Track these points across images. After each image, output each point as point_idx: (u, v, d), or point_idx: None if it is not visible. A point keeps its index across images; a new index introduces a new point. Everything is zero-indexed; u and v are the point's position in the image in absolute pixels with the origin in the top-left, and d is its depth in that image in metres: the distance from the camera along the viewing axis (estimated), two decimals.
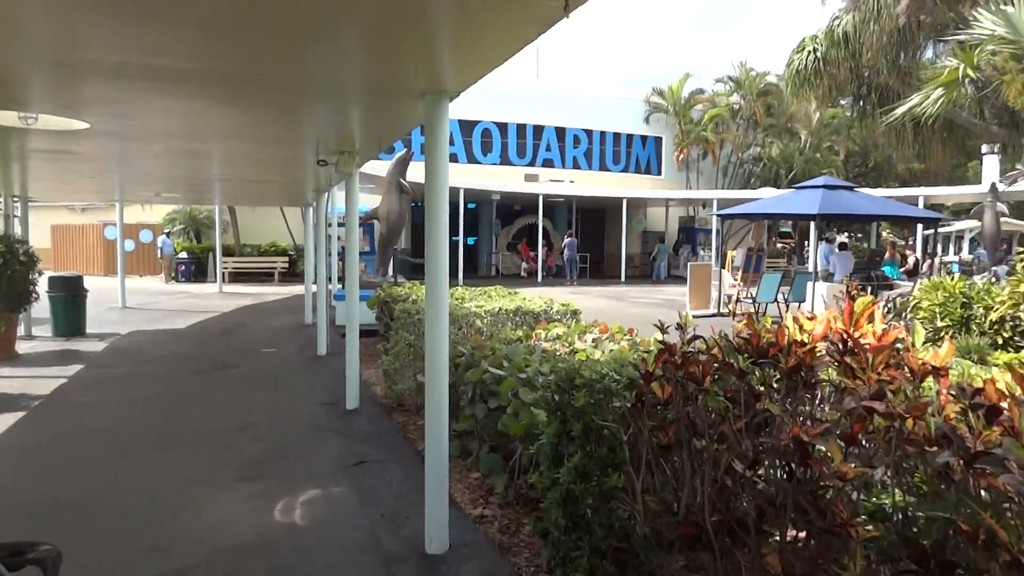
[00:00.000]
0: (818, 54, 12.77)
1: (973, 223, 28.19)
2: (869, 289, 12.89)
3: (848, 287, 10.72)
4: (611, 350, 5.28)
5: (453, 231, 24.87)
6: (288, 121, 4.81)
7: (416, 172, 15.58)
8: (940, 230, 33.61)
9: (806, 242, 33.09)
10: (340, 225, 23.57)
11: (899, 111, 11.82)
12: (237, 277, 23.34)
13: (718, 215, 14.35)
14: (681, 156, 29.32)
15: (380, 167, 19.74)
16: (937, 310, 8.77)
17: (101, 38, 2.88)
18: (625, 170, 30.19)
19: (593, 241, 29.62)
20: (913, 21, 11.05)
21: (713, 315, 14.68)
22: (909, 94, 11.67)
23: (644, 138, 30.58)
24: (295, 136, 5.46)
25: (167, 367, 8.72)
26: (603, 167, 29.77)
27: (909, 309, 9.60)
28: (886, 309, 9.52)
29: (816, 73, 12.66)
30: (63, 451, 5.44)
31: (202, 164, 7.09)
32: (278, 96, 4.01)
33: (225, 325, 12.66)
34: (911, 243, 37.38)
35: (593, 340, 5.74)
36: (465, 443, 5.51)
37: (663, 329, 3.14)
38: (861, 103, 13.17)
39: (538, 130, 28.58)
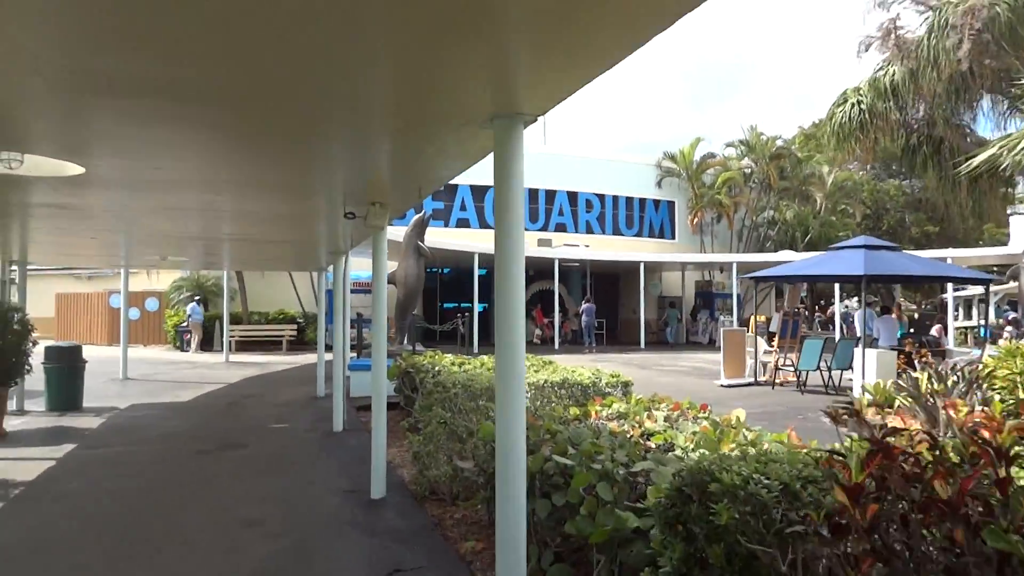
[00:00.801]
0: (862, 106, 12.35)
1: (999, 287, 27.50)
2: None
3: (911, 354, 9.74)
4: (693, 432, 4.47)
5: (467, 298, 24.27)
6: (313, 163, 4.18)
7: (432, 237, 15.11)
8: (956, 294, 32.95)
9: (817, 307, 32.34)
10: (352, 291, 22.97)
11: (978, 160, 11.11)
12: (244, 345, 22.59)
13: (753, 278, 13.69)
14: (696, 220, 28.93)
15: (394, 231, 19.31)
16: (1019, 379, 7.94)
17: (101, 63, 2.25)
18: (639, 234, 29.76)
19: (607, 306, 28.92)
20: (975, 65, 10.64)
21: (749, 384, 13.80)
22: (964, 145, 11.16)
23: (657, 202, 30.29)
24: (319, 184, 4.83)
25: (167, 447, 7.87)
26: (616, 231, 29.35)
27: (981, 379, 8.77)
28: (954, 379, 8.70)
29: (861, 126, 12.21)
30: (39, 556, 4.57)
31: (212, 221, 6.47)
32: (301, 128, 3.37)
33: (232, 397, 11.82)
34: (924, 307, 36.58)
35: (665, 419, 4.93)
36: None
37: (836, 417, 2.37)
38: (912, 155, 12.66)
39: (550, 195, 28.31)
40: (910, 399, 9.14)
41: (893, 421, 8.57)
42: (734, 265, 24.61)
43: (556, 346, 23.22)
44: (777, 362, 13.51)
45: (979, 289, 28.38)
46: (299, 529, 5.09)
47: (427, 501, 5.73)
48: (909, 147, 12.43)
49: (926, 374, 9.10)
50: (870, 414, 10.06)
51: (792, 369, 13.21)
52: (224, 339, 18.78)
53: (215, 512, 5.52)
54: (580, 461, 4.00)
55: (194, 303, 22.25)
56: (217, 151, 3.90)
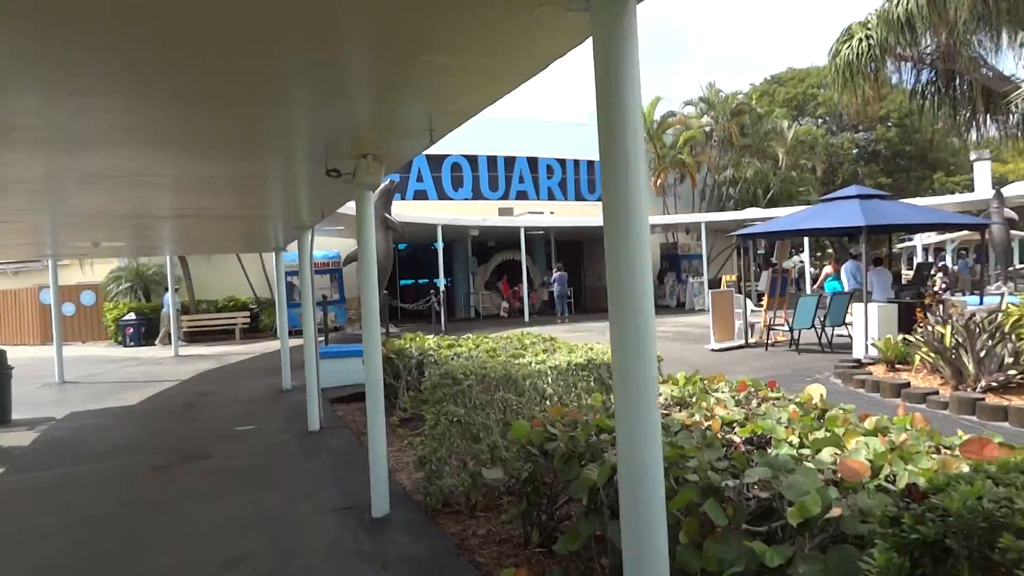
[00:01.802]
0: (871, 41, 11.59)
1: (954, 234, 27.70)
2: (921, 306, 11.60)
3: (917, 307, 9.07)
4: (785, 421, 3.63)
5: (433, 272, 23.17)
6: (284, 96, 3.11)
7: (402, 210, 13.77)
8: (900, 245, 33.31)
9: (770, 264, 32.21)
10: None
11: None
12: (194, 337, 21.09)
13: (743, 235, 13.00)
14: (659, 181, 28.29)
15: (352, 206, 18.05)
16: None
17: None
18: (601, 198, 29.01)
19: (572, 275, 28.21)
20: None
21: (740, 346, 13.21)
22: (984, 80, 10.56)
23: None
24: (293, 130, 3.74)
25: (116, 464, 6.72)
26: (579, 197, 28.54)
27: (1007, 328, 8.25)
28: (974, 329, 8.14)
29: (871, 62, 11.47)
30: None
31: (150, 193, 5.26)
32: (261, 40, 2.33)
33: (187, 397, 10.59)
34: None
35: (736, 404, 4.08)
36: (569, 570, 3.77)
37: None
38: (920, 93, 12.01)
39: (510, 161, 27.24)
40: (933, 354, 8.53)
41: (912, 378, 7.85)
42: (703, 225, 24.11)
43: (526, 318, 22.37)
44: (769, 322, 12.93)
45: (926, 238, 28.65)
46: (293, 566, 4.10)
47: (441, 515, 4.79)
48: (919, 84, 11.81)
49: (949, 327, 8.51)
50: (881, 372, 9.39)
51: (784, 328, 12.66)
52: (172, 332, 17.28)
53: (184, 549, 4.47)
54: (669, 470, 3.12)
55: (168, 293, 20.41)
56: (158, 88, 2.82)
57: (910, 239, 33.67)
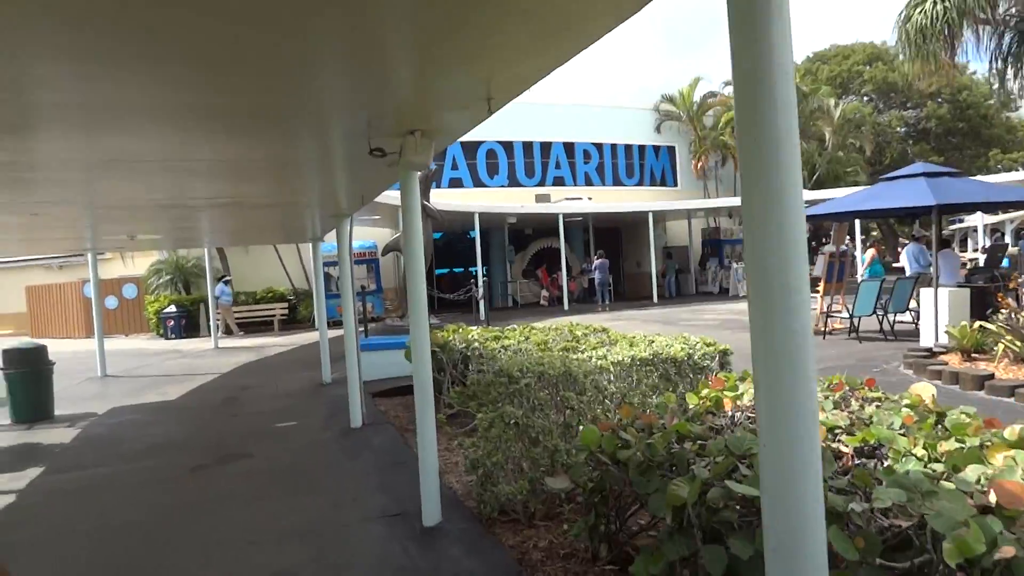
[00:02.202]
0: (947, 4, 10.73)
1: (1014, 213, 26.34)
2: (994, 289, 10.85)
3: (991, 292, 8.31)
4: (897, 426, 3.14)
5: (470, 261, 22.85)
6: (320, 73, 2.73)
7: (437, 198, 13.37)
8: (951, 227, 31.83)
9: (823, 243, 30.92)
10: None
11: None
12: (229, 329, 21.11)
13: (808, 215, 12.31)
14: (700, 164, 27.47)
15: (394, 196, 17.76)
16: None
17: None
18: (640, 183, 28.32)
19: (610, 261, 27.65)
20: None
21: None
22: None
23: (657, 148, 28.78)
24: (330, 106, 3.35)
25: (156, 463, 6.49)
26: (616, 182, 27.88)
27: None
28: None
29: (948, 25, 10.62)
30: None
31: (184, 180, 4.95)
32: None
33: (226, 391, 10.42)
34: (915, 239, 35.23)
35: (834, 405, 3.60)
36: None
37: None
38: (1003, 59, 11.13)
39: (546, 147, 26.69)
40: (1020, 342, 7.85)
41: (994, 369, 7.15)
42: None
43: (566, 306, 21.91)
44: (827, 308, 12.27)
45: (985, 218, 27.32)
46: None
47: (496, 524, 4.41)
48: (1000, 51, 10.93)
49: None
50: (956, 361, 8.69)
51: (844, 315, 11.99)
52: (211, 323, 17.24)
53: (225, 561, 4.17)
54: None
55: (221, 283, 20.45)
56: (187, 59, 2.46)
57: (960, 220, 32.23)
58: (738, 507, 2.78)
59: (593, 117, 27.34)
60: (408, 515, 4.65)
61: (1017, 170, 29.99)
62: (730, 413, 3.65)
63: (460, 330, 8.54)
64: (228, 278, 20.55)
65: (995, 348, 8.88)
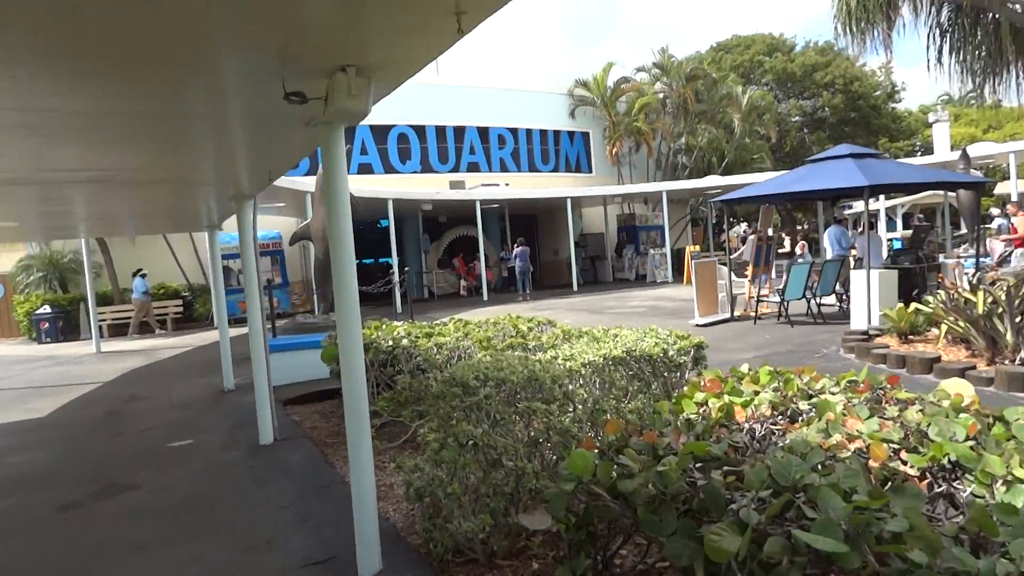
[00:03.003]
0: None
1: (906, 198, 27.72)
2: (919, 271, 10.94)
3: (912, 272, 8.11)
4: (964, 440, 2.56)
5: (385, 251, 21.65)
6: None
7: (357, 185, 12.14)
8: (848, 212, 33.33)
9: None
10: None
11: None
12: (119, 330, 19.11)
13: (724, 201, 12.06)
14: (615, 150, 27.31)
15: (300, 181, 16.35)
16: None
17: None
18: (555, 169, 27.88)
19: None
20: None
21: (726, 320, 12.36)
22: (1010, 16, 9.64)
23: (572, 134, 28.40)
24: (223, 28, 2.41)
25: (10, 503, 5.26)
26: (532, 168, 27.32)
27: None
28: (1013, 294, 7.38)
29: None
30: None
31: (36, 145, 3.79)
32: None
33: (109, 403, 9.03)
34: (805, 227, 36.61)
35: (873, 412, 3.01)
36: None
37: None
38: (939, 34, 11.02)
39: (459, 132, 25.75)
40: (963, 323, 7.73)
41: (938, 351, 6.88)
42: (664, 194, 23.27)
43: (484, 296, 21.16)
44: (756, 293, 12.10)
45: (886, 202, 28.63)
46: None
47: (450, 567, 3.61)
48: (939, 24, 10.89)
49: (981, 293, 7.72)
50: (895, 343, 8.48)
51: (773, 300, 11.85)
52: (92, 324, 15.35)
53: None
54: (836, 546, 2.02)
55: (139, 277, 18.28)
56: None
57: (849, 206, 33.69)
58: (807, 560, 2.10)
59: (507, 101, 26.61)
60: (340, 562, 3.77)
61: (907, 158, 31.65)
62: (746, 426, 2.99)
63: (384, 326, 7.63)
64: (144, 272, 18.58)
65: (929, 330, 8.83)
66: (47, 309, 18.48)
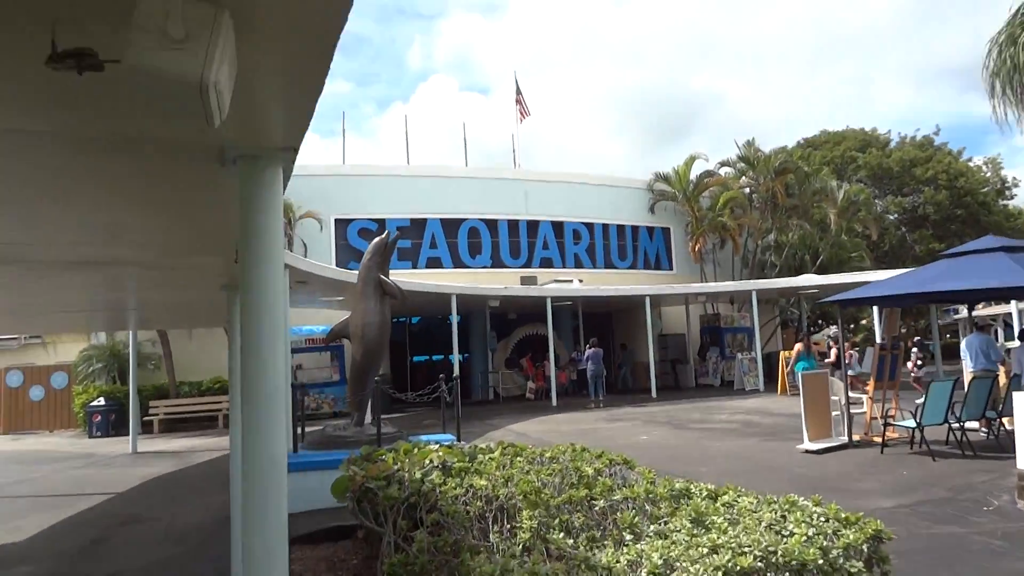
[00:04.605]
0: None
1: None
2: None
3: None
4: None
5: (447, 348, 20.42)
6: None
7: (398, 278, 10.90)
8: (955, 316, 29.95)
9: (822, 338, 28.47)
10: (300, 351, 18.81)
11: None
12: (173, 424, 18.33)
13: (838, 301, 10.13)
14: (697, 247, 25.61)
15: (351, 273, 15.43)
16: None
17: None
18: (633, 266, 26.32)
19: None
20: None
21: (843, 446, 10.12)
22: None
23: (651, 229, 26.98)
24: None
25: None
26: (608, 264, 25.87)
27: None
28: None
29: None
30: None
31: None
32: None
33: (102, 526, 7.70)
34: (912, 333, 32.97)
35: None
36: None
37: None
38: None
39: (532, 226, 24.77)
40: None
41: None
42: (753, 294, 21.23)
43: (554, 401, 19.33)
44: (883, 414, 9.88)
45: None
46: None
47: None
48: None
49: None
50: None
51: (906, 424, 9.59)
52: (131, 421, 14.43)
53: None
54: None
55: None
56: None
57: (956, 310, 30.27)
58: None
59: (583, 195, 25.60)
60: None
61: None
62: None
63: (418, 449, 6.05)
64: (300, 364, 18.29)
65: None
66: (101, 401, 17.94)
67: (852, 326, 42.38)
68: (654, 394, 20.32)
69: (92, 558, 6.49)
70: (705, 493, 3.46)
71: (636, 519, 3.04)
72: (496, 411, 18.11)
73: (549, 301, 19.53)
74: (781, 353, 18.18)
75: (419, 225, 22.99)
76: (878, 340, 11.48)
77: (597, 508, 3.72)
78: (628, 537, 2.91)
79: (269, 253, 2.40)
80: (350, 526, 6.42)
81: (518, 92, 28.36)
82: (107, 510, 8.61)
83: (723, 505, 3.17)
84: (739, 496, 3.36)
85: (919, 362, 19.67)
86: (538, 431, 13.43)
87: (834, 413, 10.73)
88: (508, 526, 4.15)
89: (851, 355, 18.24)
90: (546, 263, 24.77)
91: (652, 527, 3.00)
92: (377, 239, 8.94)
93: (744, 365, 22.27)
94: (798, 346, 17.29)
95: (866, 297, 9.75)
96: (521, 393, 22.83)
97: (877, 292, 9.73)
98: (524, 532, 3.65)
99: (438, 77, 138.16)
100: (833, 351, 17.06)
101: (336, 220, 22.35)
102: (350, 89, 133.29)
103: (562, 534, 3.62)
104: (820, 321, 34.91)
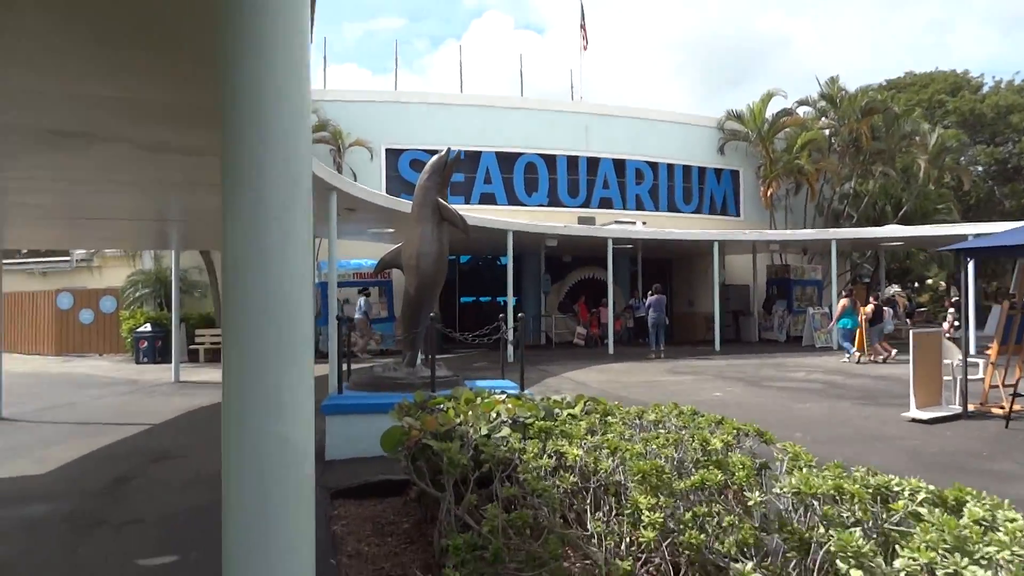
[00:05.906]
0: None
1: None
2: None
3: None
4: None
5: (501, 289, 19.49)
6: None
7: (466, 213, 9.77)
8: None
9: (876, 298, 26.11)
10: (347, 284, 18.02)
11: None
12: (219, 355, 17.88)
13: (963, 249, 8.69)
14: (769, 192, 23.82)
15: (396, 201, 14.43)
16: None
17: None
18: (698, 210, 24.72)
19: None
20: None
21: (956, 416, 8.84)
22: None
23: (719, 171, 25.21)
24: None
25: None
26: (672, 207, 24.32)
27: None
28: None
29: None
30: None
31: None
32: None
33: (130, 462, 7.05)
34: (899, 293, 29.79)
35: None
36: None
37: None
38: None
39: (592, 163, 23.31)
40: None
41: None
42: (833, 243, 19.58)
43: (610, 349, 18.28)
44: (1003, 381, 8.54)
45: None
46: None
47: None
48: None
49: None
50: None
51: None
52: (173, 350, 13.93)
53: None
54: None
55: (362, 298, 17.37)
56: None
57: None
58: None
59: (647, 131, 23.89)
60: None
61: None
62: None
63: (481, 399, 5.07)
64: (369, 289, 17.65)
65: None
66: (147, 328, 17.62)
67: (917, 285, 39.87)
68: (717, 347, 19.08)
69: (114, 500, 5.80)
70: (922, 495, 2.36)
71: (859, 541, 1.97)
72: (549, 357, 17.18)
73: (610, 243, 18.29)
74: (861, 310, 16.67)
75: (473, 159, 21.76)
76: (1005, 299, 9.98)
77: (750, 503, 2.66)
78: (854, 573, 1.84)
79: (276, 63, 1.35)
80: (400, 481, 5.58)
81: (583, 19, 26.50)
82: (139, 444, 8.00)
83: (974, 522, 2.08)
84: (918, 486, 2.26)
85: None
86: (598, 381, 12.43)
87: (945, 378, 9.42)
88: (614, 512, 3.15)
89: (887, 311, 17.39)
90: (605, 203, 23.39)
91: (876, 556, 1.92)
92: (436, 156, 7.84)
93: (816, 320, 20.77)
94: (843, 301, 15.99)
95: (1012, 246, 8.29)
96: (572, 339, 21.86)
97: (1011, 240, 8.25)
98: (647, 530, 2.65)
99: (492, 13, 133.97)
100: (870, 306, 15.85)
101: (387, 150, 21.32)
102: (403, 25, 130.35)
103: (703, 535, 2.60)
104: (895, 279, 32.77)
